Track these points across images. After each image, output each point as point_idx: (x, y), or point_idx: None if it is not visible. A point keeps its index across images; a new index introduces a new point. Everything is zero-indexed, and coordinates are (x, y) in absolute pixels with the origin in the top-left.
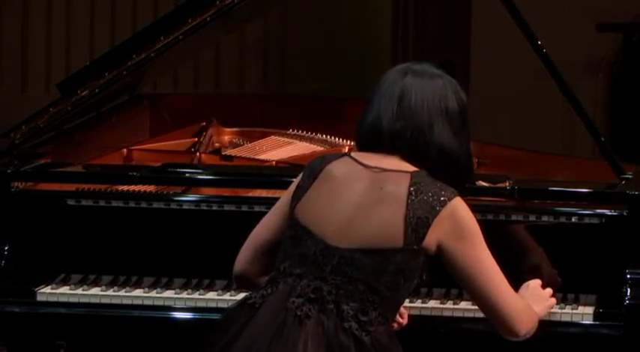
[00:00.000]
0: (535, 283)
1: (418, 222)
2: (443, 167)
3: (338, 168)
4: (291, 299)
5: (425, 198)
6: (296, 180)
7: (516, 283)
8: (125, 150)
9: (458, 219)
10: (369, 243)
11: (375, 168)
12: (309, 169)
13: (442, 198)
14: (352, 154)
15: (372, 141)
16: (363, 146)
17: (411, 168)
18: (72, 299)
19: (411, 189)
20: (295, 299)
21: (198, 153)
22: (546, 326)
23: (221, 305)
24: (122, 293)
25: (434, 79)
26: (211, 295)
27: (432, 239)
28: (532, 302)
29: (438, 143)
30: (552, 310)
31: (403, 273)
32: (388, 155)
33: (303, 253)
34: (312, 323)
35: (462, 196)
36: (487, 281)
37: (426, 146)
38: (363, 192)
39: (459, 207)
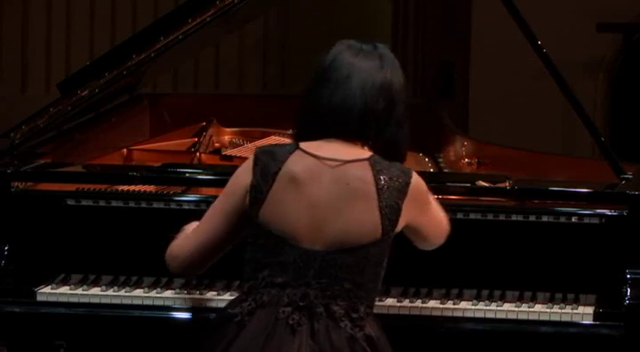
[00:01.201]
0: None
1: (391, 209)
2: (393, 151)
3: (296, 165)
4: (280, 309)
5: (391, 184)
6: (241, 178)
7: (516, 283)
8: (125, 150)
9: (419, 195)
10: (350, 242)
11: (332, 160)
12: (262, 169)
13: (405, 180)
14: (303, 146)
15: (333, 128)
16: (319, 133)
17: (364, 153)
18: (72, 299)
19: (377, 177)
20: (284, 308)
21: (198, 153)
22: (546, 326)
23: (221, 305)
24: (122, 293)
25: (385, 61)
26: (211, 295)
27: (402, 221)
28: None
29: (397, 129)
30: (552, 310)
31: (381, 263)
32: (340, 141)
33: (281, 261)
34: (305, 330)
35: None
36: (439, 224)
37: (390, 134)
38: (329, 191)
39: (418, 183)
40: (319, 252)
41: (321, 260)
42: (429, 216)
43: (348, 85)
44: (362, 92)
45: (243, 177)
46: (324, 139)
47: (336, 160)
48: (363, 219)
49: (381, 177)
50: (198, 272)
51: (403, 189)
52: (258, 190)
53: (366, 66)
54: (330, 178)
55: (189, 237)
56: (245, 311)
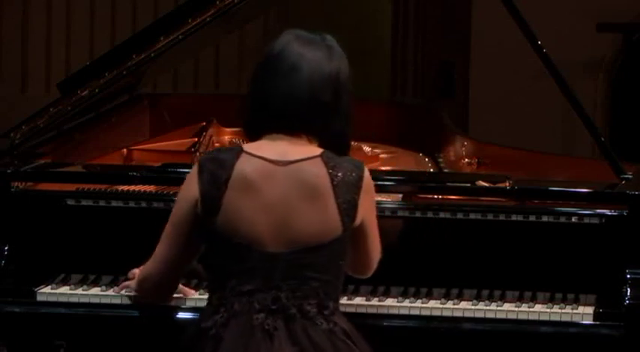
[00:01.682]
0: None
1: (348, 205)
2: (340, 144)
3: (246, 169)
4: (254, 316)
5: (346, 179)
6: (189, 189)
7: (516, 283)
8: (125, 150)
9: (371, 188)
10: (312, 241)
11: (282, 161)
12: (210, 177)
13: (358, 173)
14: (247, 149)
15: (281, 119)
16: (266, 125)
17: (314, 150)
18: (72, 299)
19: (331, 174)
20: (257, 315)
21: (198, 153)
22: (546, 326)
23: None
24: (122, 293)
25: (333, 52)
26: None
27: (359, 216)
28: None
29: (343, 120)
30: (552, 310)
31: (344, 258)
32: (285, 137)
33: (248, 268)
34: (282, 334)
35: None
36: (376, 234)
37: (337, 126)
38: (284, 191)
39: (369, 176)
40: (283, 254)
41: (286, 261)
42: (374, 219)
43: (297, 74)
44: (310, 82)
45: (190, 187)
46: (268, 136)
47: (287, 160)
48: (322, 217)
49: (335, 173)
50: (170, 294)
51: (357, 183)
52: (210, 199)
53: (314, 56)
54: (284, 178)
55: (152, 260)
56: (218, 324)
